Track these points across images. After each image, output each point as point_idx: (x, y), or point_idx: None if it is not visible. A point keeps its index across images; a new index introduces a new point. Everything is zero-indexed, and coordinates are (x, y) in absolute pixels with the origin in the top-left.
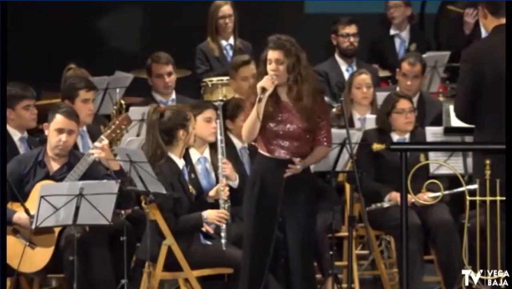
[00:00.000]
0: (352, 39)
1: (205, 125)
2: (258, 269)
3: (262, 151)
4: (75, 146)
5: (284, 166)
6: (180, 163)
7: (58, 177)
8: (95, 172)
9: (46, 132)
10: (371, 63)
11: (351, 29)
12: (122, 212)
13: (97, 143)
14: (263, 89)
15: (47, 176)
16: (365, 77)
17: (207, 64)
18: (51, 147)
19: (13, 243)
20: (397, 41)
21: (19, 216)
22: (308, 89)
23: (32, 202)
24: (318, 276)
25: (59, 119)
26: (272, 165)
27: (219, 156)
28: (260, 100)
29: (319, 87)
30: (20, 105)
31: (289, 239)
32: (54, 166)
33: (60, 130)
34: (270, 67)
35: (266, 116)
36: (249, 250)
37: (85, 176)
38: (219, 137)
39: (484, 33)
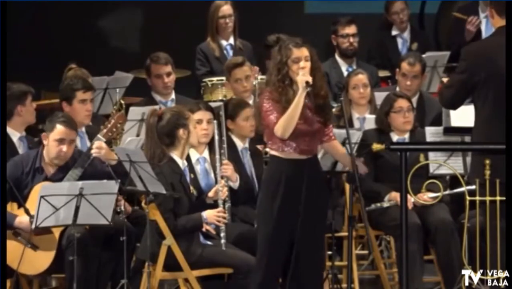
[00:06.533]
0: (351, 39)
1: (196, 127)
2: (273, 269)
3: (277, 153)
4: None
5: (302, 166)
6: (182, 163)
7: (56, 178)
8: (94, 170)
9: (45, 142)
10: (372, 63)
11: (351, 29)
12: (122, 208)
13: (95, 144)
14: (307, 83)
15: (45, 179)
16: (361, 77)
17: (207, 65)
18: (50, 157)
19: (14, 245)
20: (399, 41)
21: (21, 220)
22: (320, 82)
23: (31, 204)
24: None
25: (59, 130)
26: (293, 166)
27: (217, 156)
28: (307, 93)
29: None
30: (29, 100)
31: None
32: (52, 169)
33: (61, 141)
34: (301, 64)
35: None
36: (267, 249)
37: (84, 175)
38: (216, 137)
39: None
